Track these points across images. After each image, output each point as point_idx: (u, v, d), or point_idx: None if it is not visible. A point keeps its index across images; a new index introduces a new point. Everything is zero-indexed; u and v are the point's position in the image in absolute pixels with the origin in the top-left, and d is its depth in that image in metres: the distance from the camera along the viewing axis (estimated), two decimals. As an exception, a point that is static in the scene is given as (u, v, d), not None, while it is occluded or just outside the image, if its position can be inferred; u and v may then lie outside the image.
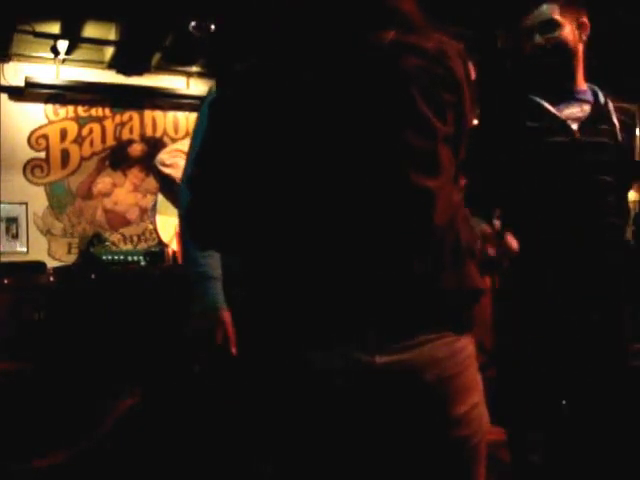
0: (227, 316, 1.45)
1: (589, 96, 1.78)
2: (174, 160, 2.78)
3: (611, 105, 1.77)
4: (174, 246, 2.87)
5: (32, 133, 5.86)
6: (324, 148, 0.92)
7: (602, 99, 1.77)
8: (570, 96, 1.76)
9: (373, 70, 0.94)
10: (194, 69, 6.13)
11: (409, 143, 0.93)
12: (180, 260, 1.62)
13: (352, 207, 0.91)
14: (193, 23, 4.60)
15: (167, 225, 2.89)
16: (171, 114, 6.39)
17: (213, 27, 4.51)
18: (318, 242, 0.92)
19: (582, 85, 1.80)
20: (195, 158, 0.99)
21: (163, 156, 2.80)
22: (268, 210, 0.94)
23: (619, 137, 1.72)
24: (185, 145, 2.87)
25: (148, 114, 6.34)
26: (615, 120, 1.74)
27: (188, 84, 6.25)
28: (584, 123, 1.71)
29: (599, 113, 1.74)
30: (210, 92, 1.60)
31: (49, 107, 5.92)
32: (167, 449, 2.15)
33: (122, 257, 4.20)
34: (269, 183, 0.93)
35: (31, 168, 5.86)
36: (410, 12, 0.99)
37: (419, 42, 0.98)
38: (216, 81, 1.07)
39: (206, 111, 1.52)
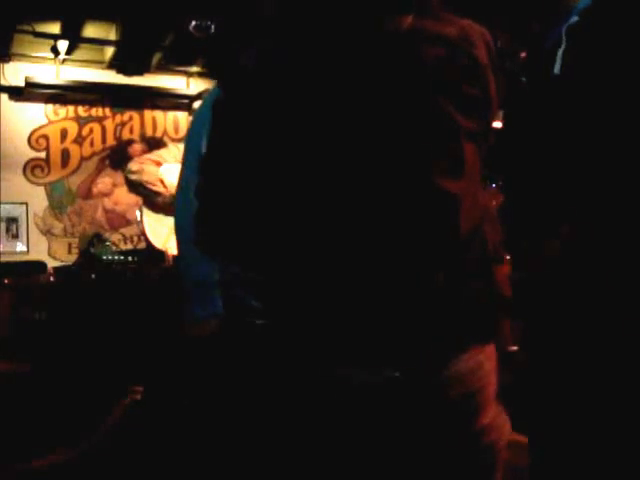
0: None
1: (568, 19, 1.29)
2: (141, 166, 2.85)
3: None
4: (173, 249, 2.88)
5: (32, 133, 5.86)
6: (339, 151, 0.85)
7: (573, 19, 1.27)
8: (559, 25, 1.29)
9: (390, 63, 0.86)
10: (194, 69, 6.13)
11: (430, 142, 0.86)
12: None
13: (372, 217, 0.85)
14: (193, 23, 4.61)
15: (155, 232, 2.91)
16: (171, 114, 6.38)
17: (213, 27, 4.52)
18: (339, 254, 0.86)
19: (572, 2, 1.29)
20: (202, 164, 0.93)
21: (130, 164, 2.95)
22: (284, 219, 0.88)
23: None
24: (156, 155, 2.93)
25: (148, 114, 6.34)
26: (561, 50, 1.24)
27: (188, 84, 6.25)
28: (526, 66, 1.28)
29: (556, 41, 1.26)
30: (211, 92, 1.57)
31: (49, 107, 5.92)
32: (167, 449, 2.15)
33: (122, 257, 4.20)
34: (283, 188, 0.87)
35: (31, 168, 5.86)
36: None
37: (438, 28, 0.89)
38: (218, 78, 1.01)
39: (206, 112, 1.49)
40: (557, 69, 1.28)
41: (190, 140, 1.59)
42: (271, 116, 0.87)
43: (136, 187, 2.89)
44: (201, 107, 1.56)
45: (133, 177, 2.86)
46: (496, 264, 0.95)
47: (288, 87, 0.87)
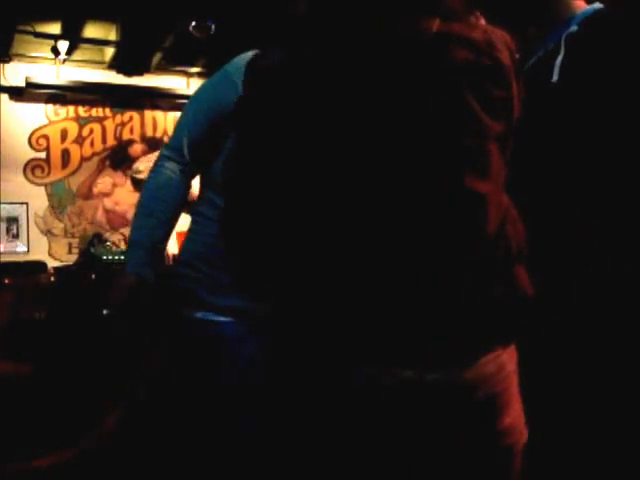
0: (145, 286, 1.45)
1: (568, 27, 1.28)
2: (148, 165, 2.87)
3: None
4: (173, 248, 2.89)
5: (33, 133, 5.87)
6: (370, 150, 0.86)
7: (573, 28, 1.26)
8: (553, 34, 1.30)
9: (421, 64, 0.87)
10: (194, 69, 6.13)
11: (460, 143, 0.87)
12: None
13: (399, 217, 0.86)
14: (193, 24, 4.61)
15: None
16: (171, 114, 6.38)
17: (213, 27, 4.52)
18: (366, 253, 0.87)
19: (572, 8, 1.29)
20: (231, 162, 0.93)
21: (137, 164, 3.01)
22: (312, 219, 0.89)
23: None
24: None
25: (148, 114, 6.34)
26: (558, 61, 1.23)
27: (188, 84, 6.25)
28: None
29: (547, 57, 1.27)
30: (237, 61, 1.52)
31: (49, 107, 5.92)
32: (168, 448, 2.15)
33: (122, 257, 4.20)
34: (312, 187, 0.88)
35: (32, 168, 5.87)
36: None
37: (465, 32, 0.91)
38: (246, 78, 0.98)
39: (220, 80, 1.48)
40: (555, 77, 1.28)
41: (194, 102, 1.58)
42: (300, 115, 0.88)
43: (140, 185, 2.91)
44: (220, 74, 1.53)
45: (141, 176, 2.88)
46: (519, 265, 0.95)
47: (318, 87, 0.87)
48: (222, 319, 1.40)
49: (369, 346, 0.90)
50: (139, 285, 1.45)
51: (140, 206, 1.50)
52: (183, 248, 1.50)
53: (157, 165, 1.53)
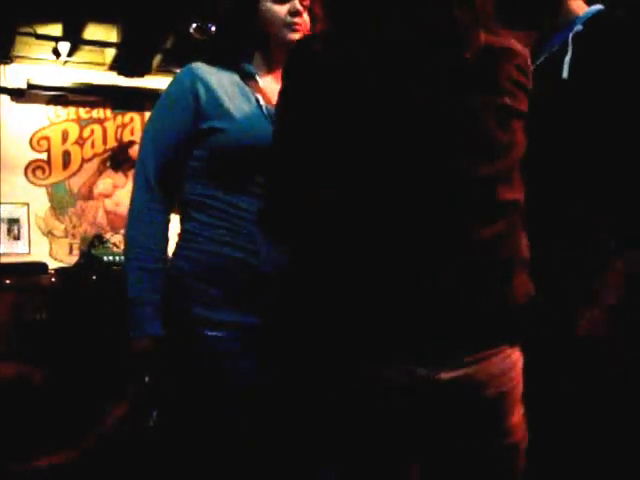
0: (154, 345, 1.45)
1: (573, 27, 1.33)
2: None
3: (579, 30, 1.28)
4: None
5: (34, 134, 5.88)
6: (410, 153, 0.89)
7: (578, 27, 1.31)
8: (554, 36, 1.35)
9: (471, 82, 0.90)
10: (195, 71, 6.14)
11: (501, 164, 0.92)
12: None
13: (425, 215, 0.89)
14: (194, 25, 4.62)
15: None
16: (172, 115, 6.39)
17: (214, 29, 4.53)
18: (388, 255, 0.89)
19: (573, 11, 1.35)
20: (274, 148, 0.96)
21: None
22: (341, 212, 0.91)
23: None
24: None
25: (149, 116, 6.35)
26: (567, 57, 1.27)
27: (189, 86, 6.25)
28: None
29: (557, 54, 1.31)
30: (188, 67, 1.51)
31: (50, 109, 5.93)
32: (168, 449, 2.16)
33: (123, 258, 4.21)
34: (348, 183, 0.90)
35: (32, 169, 5.88)
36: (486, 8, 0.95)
37: (505, 44, 0.95)
38: (289, 67, 0.99)
39: (166, 105, 1.52)
40: (565, 74, 1.31)
41: (168, 113, 1.56)
42: (347, 113, 0.90)
43: None
44: (181, 79, 1.54)
45: None
46: (522, 264, 0.98)
47: (366, 88, 0.89)
48: (215, 334, 1.41)
49: (382, 345, 0.91)
50: (156, 344, 1.45)
51: (130, 257, 1.49)
52: (173, 265, 1.49)
53: (135, 210, 1.50)
